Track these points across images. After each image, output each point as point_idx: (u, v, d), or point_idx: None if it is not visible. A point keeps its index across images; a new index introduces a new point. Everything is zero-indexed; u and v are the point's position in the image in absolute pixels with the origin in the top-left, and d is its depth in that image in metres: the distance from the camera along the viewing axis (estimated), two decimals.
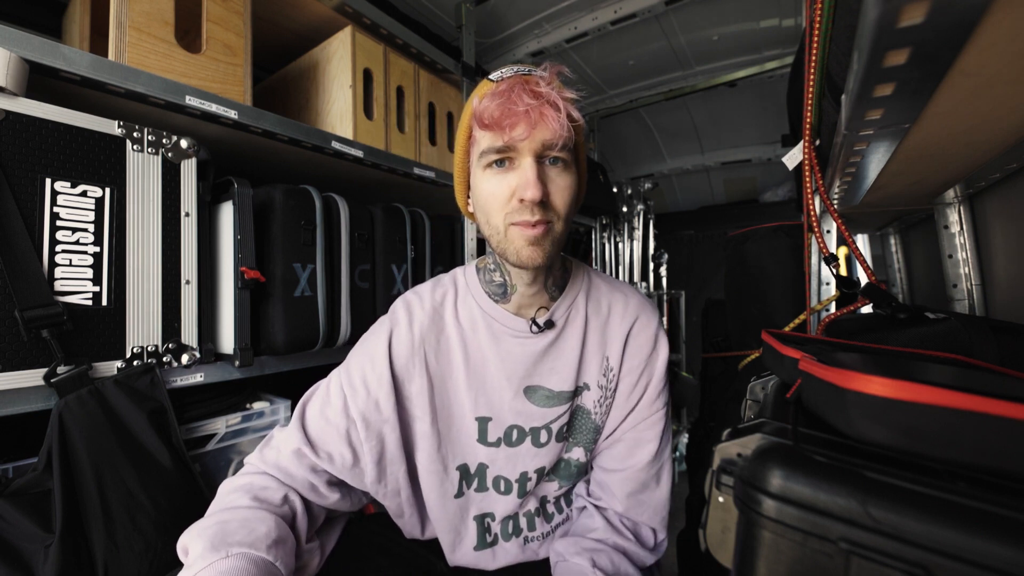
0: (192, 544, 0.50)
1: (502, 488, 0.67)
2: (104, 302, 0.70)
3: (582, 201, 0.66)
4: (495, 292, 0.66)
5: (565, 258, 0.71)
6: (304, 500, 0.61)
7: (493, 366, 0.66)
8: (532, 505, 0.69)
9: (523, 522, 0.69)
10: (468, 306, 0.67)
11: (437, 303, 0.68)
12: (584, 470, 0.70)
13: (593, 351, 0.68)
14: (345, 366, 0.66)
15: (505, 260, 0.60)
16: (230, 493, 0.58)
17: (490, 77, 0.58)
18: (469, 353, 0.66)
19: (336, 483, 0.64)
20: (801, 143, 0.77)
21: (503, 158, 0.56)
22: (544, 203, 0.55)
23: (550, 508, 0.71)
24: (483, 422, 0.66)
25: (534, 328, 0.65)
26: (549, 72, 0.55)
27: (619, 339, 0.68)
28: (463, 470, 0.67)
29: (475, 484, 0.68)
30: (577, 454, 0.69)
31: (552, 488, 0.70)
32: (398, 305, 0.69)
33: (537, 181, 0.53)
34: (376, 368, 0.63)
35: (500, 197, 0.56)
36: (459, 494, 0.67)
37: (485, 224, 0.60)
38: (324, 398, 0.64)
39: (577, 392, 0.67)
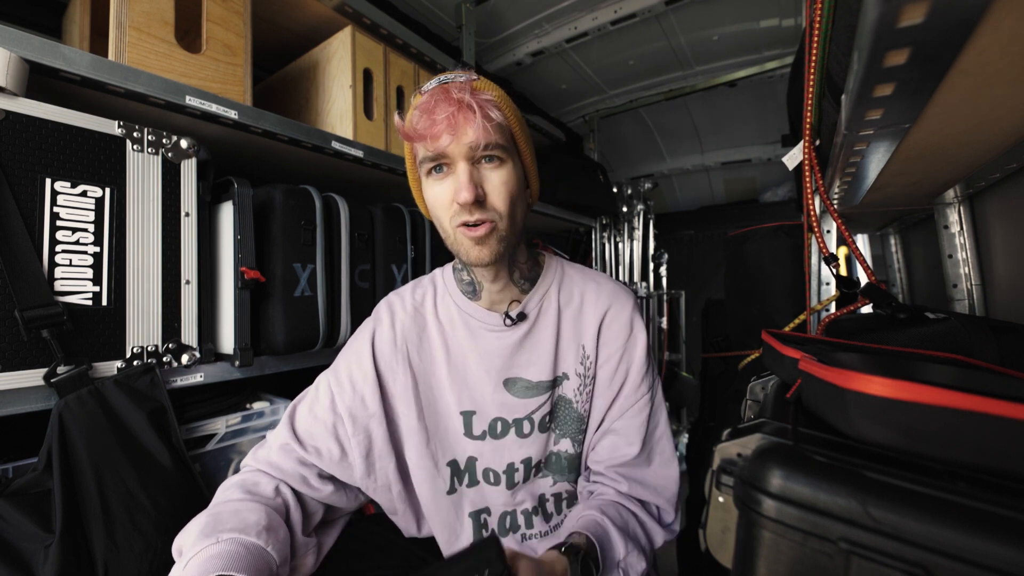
0: (185, 538, 0.52)
1: (491, 480, 0.68)
2: (104, 302, 0.70)
3: (537, 190, 0.68)
4: (466, 290, 0.69)
5: (537, 252, 0.74)
6: (297, 494, 0.62)
7: (473, 360, 0.68)
8: (529, 503, 0.69)
9: (521, 519, 0.69)
10: (446, 304, 0.71)
11: (418, 303, 0.71)
12: (575, 465, 0.70)
13: (568, 340, 0.69)
14: (333, 367, 0.70)
15: (460, 260, 0.63)
16: (224, 491, 0.60)
17: (420, 89, 0.60)
18: (450, 349, 0.69)
19: (328, 476, 0.65)
20: (801, 143, 0.77)
21: (440, 164, 0.59)
22: (482, 203, 0.58)
23: (549, 508, 0.71)
24: (467, 416, 0.68)
25: (507, 321, 0.67)
26: (467, 77, 0.58)
27: (593, 327, 0.69)
28: (453, 466, 0.68)
29: (466, 479, 0.69)
30: (564, 446, 0.69)
31: (546, 484, 0.70)
32: (381, 306, 0.73)
33: (469, 184, 0.56)
34: (361, 366, 0.67)
35: (443, 201, 0.59)
36: (451, 490, 0.68)
37: (439, 228, 0.63)
38: (312, 397, 0.68)
39: (556, 382, 0.69)
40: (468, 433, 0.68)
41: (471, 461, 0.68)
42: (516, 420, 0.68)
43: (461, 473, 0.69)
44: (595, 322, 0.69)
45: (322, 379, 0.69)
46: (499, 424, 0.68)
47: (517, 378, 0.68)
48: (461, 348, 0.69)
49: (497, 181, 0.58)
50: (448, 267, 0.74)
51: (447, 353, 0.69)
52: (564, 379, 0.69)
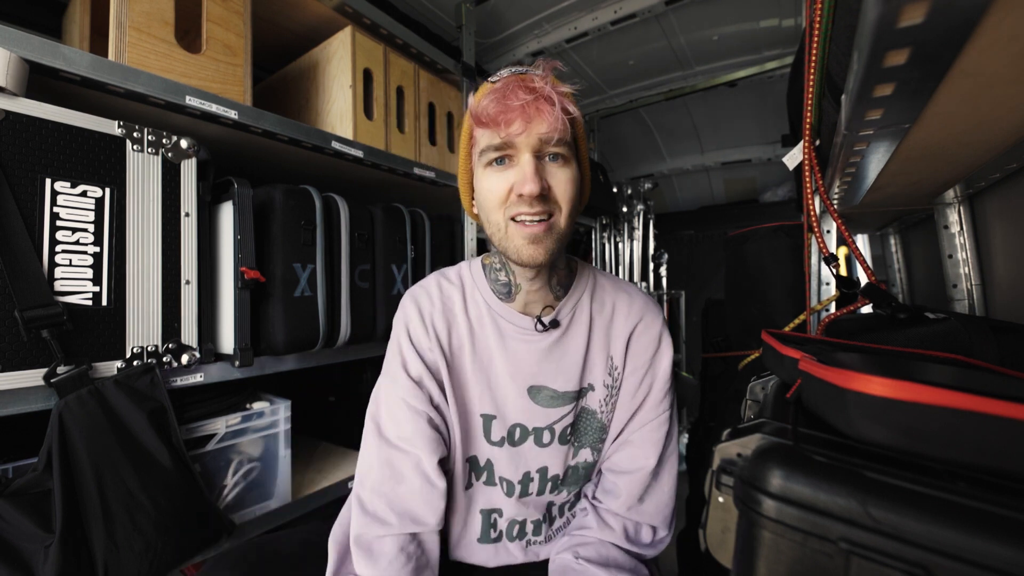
0: None
1: (505, 489, 0.67)
2: (104, 302, 0.70)
3: (587, 199, 0.66)
4: (500, 291, 0.67)
5: (570, 259, 0.72)
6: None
7: (499, 363, 0.66)
8: (540, 513, 0.69)
9: (529, 528, 0.69)
10: (475, 302, 0.68)
11: (445, 297, 0.69)
12: (590, 472, 0.70)
13: (598, 350, 0.68)
14: (391, 382, 0.66)
15: (507, 259, 0.60)
16: None
17: (490, 79, 0.59)
18: (476, 349, 0.67)
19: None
20: (801, 143, 0.77)
21: (502, 155, 0.57)
22: (545, 197, 0.56)
23: (554, 512, 0.71)
24: (487, 420, 0.67)
25: (539, 327, 0.65)
26: (544, 68, 0.56)
27: (622, 338, 0.68)
28: (472, 462, 0.68)
29: (484, 477, 0.68)
30: (584, 456, 0.69)
31: (561, 497, 0.70)
32: (406, 303, 0.69)
33: (536, 175, 0.54)
34: (413, 367, 0.64)
35: (499, 193, 0.57)
36: (468, 485, 0.68)
37: (487, 223, 0.61)
38: (389, 419, 0.64)
39: (582, 393, 0.67)
40: (487, 437, 0.67)
41: (489, 463, 0.68)
42: (536, 428, 0.66)
43: (480, 470, 0.68)
44: (625, 333, 0.68)
45: (384, 397, 0.66)
46: (518, 430, 0.67)
47: (543, 387, 0.66)
48: (488, 349, 0.67)
49: (563, 178, 0.57)
50: (476, 263, 0.71)
51: (473, 352, 0.67)
52: (590, 390, 0.68)
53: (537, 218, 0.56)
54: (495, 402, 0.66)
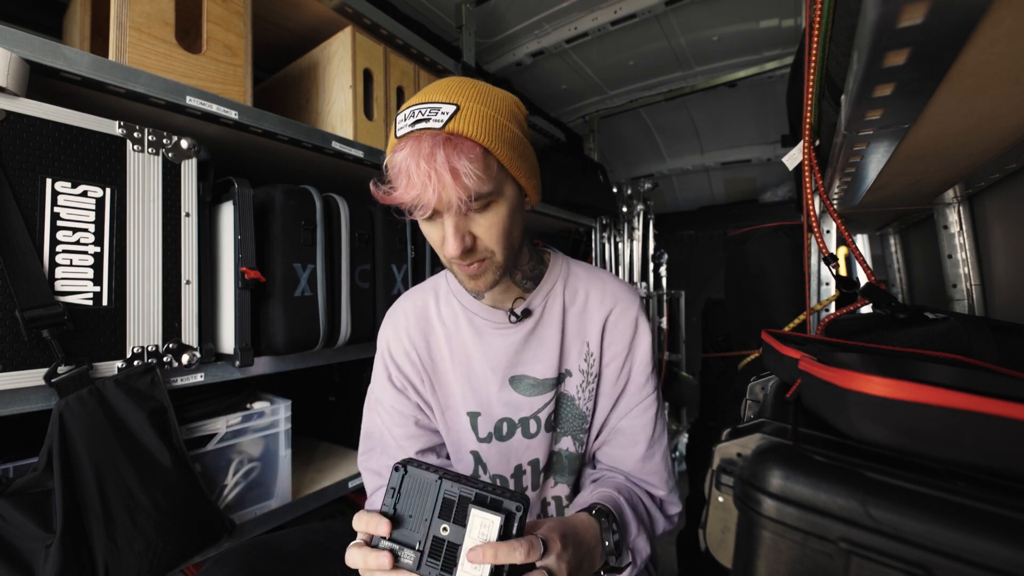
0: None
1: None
2: (105, 302, 0.70)
3: (536, 197, 0.63)
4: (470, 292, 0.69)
5: (543, 251, 0.74)
6: None
7: (477, 359, 0.68)
8: (535, 514, 0.70)
9: None
10: (450, 304, 0.71)
11: (419, 307, 0.73)
12: (576, 466, 0.71)
13: (573, 337, 0.69)
14: (375, 399, 0.74)
15: None
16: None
17: (397, 123, 0.54)
18: (453, 349, 0.70)
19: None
20: (801, 143, 0.77)
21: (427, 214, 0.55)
22: (471, 249, 0.56)
23: (551, 511, 0.71)
24: (473, 417, 0.68)
25: (512, 318, 0.67)
26: (441, 119, 0.50)
27: (597, 325, 0.69)
28: (475, 456, 0.70)
29: (485, 473, 0.70)
30: (566, 444, 0.70)
31: (548, 486, 0.71)
32: (386, 322, 0.75)
33: (454, 238, 0.54)
34: (398, 380, 0.71)
35: (436, 241, 0.58)
36: (475, 474, 0.70)
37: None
38: (380, 418, 0.72)
39: (560, 379, 0.69)
40: (476, 434, 0.69)
41: (483, 463, 0.70)
42: (522, 419, 0.68)
43: (484, 465, 0.70)
44: (600, 321, 0.69)
45: (373, 413, 0.73)
46: (504, 425, 0.68)
47: (523, 376, 0.68)
48: (465, 347, 0.69)
49: (486, 224, 0.56)
50: None
51: (451, 353, 0.69)
52: (567, 376, 0.69)
53: (471, 263, 0.57)
54: (478, 398, 0.68)
